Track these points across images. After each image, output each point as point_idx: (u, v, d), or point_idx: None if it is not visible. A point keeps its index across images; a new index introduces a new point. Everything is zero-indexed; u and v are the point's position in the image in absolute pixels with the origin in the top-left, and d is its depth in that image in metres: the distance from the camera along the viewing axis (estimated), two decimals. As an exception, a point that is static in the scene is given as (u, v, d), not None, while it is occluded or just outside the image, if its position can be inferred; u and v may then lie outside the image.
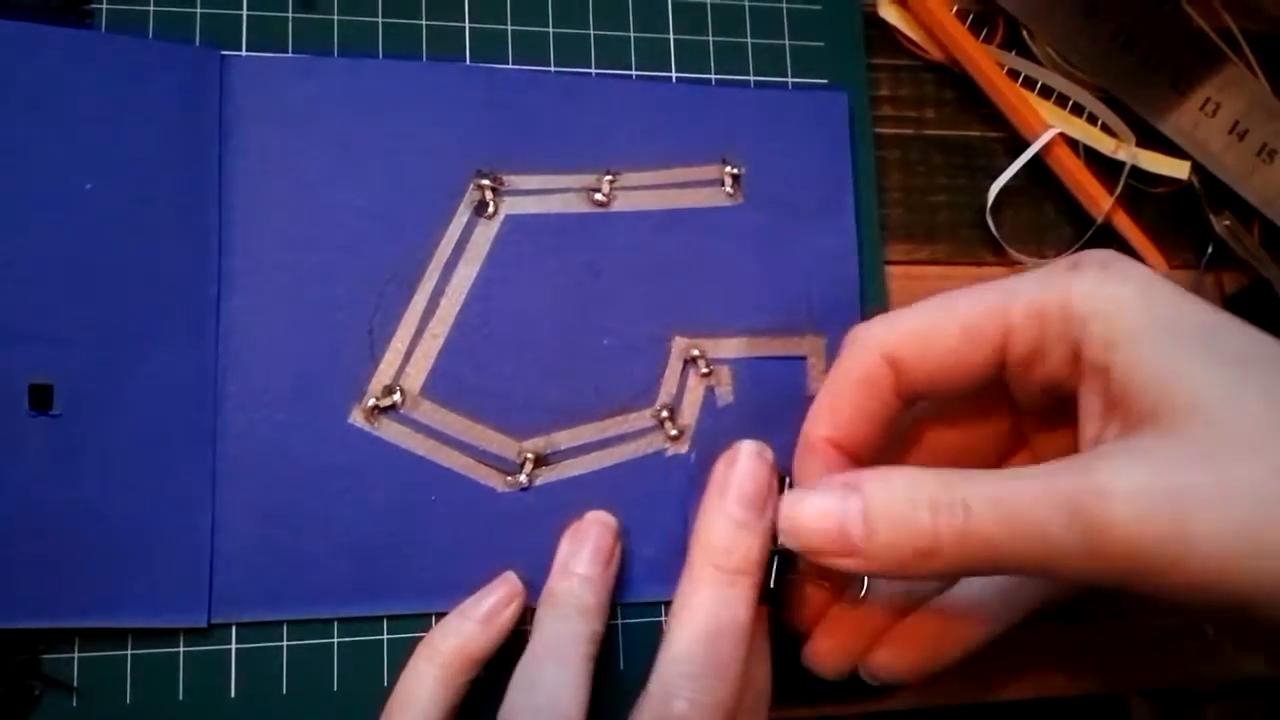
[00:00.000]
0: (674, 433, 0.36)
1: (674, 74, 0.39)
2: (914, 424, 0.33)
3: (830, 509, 0.27)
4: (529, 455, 0.35)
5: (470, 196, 0.36)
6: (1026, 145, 0.41)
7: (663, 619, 0.35)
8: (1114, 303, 0.27)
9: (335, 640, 0.33)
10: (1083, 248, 0.41)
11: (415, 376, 0.35)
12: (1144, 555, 0.23)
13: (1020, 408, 0.32)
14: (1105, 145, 0.42)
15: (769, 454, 0.31)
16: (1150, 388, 0.25)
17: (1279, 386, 0.24)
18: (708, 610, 0.29)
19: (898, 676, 0.32)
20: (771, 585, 0.30)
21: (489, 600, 0.33)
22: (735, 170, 0.38)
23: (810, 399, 0.37)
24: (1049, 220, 0.42)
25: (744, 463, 0.31)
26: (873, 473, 0.27)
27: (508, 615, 0.32)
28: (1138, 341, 0.26)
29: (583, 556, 0.33)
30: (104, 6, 0.35)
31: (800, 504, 0.28)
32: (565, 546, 0.34)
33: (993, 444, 0.33)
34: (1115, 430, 0.26)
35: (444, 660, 0.31)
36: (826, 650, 0.33)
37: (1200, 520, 0.23)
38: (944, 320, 0.30)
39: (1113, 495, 0.23)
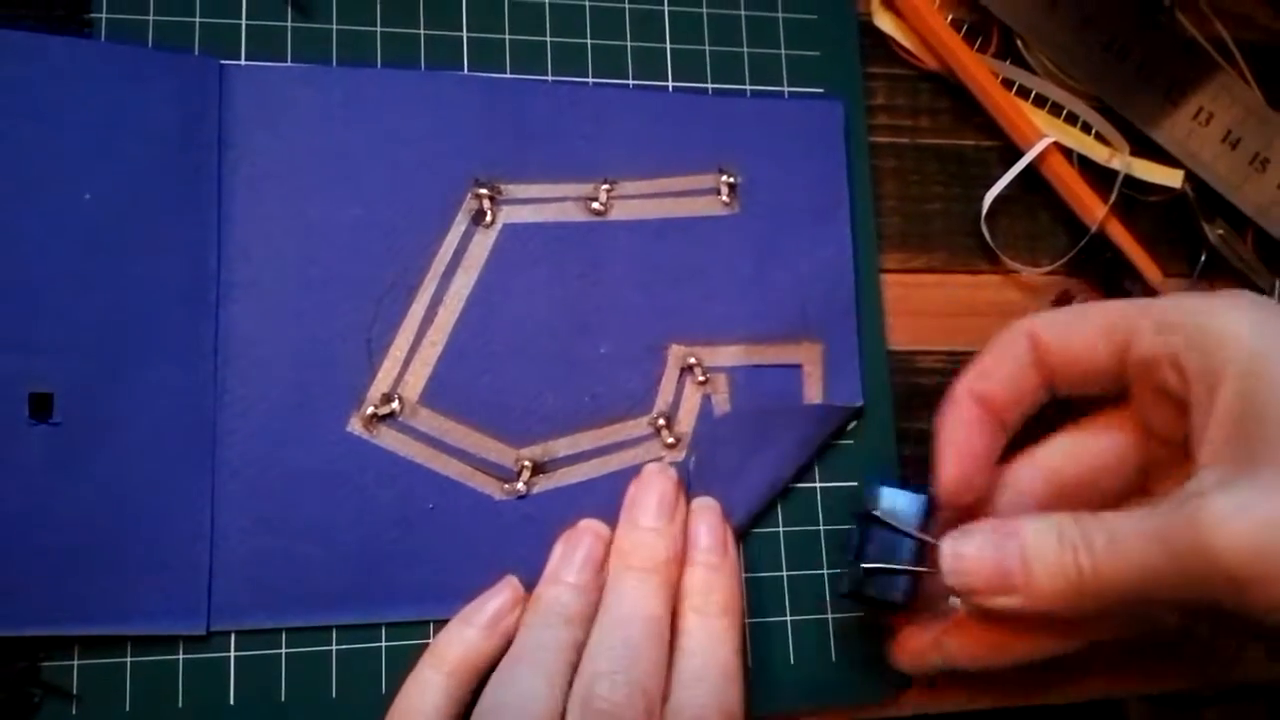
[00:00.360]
0: (671, 440, 0.36)
1: (670, 83, 0.39)
2: (1045, 457, 0.34)
3: (989, 550, 0.30)
4: (526, 463, 0.35)
5: (468, 205, 0.36)
6: (1021, 154, 0.41)
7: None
8: (1231, 327, 0.29)
9: (334, 648, 0.33)
10: (1076, 256, 0.42)
11: (413, 385, 0.35)
12: (1235, 577, 0.25)
13: (1147, 427, 0.33)
14: (1099, 154, 0.42)
15: (672, 472, 0.35)
16: (1249, 413, 0.27)
17: None
18: (624, 602, 0.31)
19: (961, 664, 0.33)
20: (900, 600, 0.33)
21: (492, 605, 0.33)
22: (731, 179, 0.39)
23: (807, 407, 0.37)
24: (1043, 229, 0.43)
25: (651, 480, 0.34)
26: (1024, 518, 0.30)
27: (511, 620, 0.32)
28: (1246, 367, 0.28)
29: (573, 564, 0.33)
30: (103, 16, 0.35)
31: (961, 546, 0.30)
32: (557, 553, 0.34)
33: (1115, 486, 0.34)
34: (1215, 452, 0.28)
35: (450, 669, 0.31)
36: (912, 651, 0.34)
37: None
38: (1083, 313, 0.33)
39: (1203, 526, 0.26)
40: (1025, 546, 0.29)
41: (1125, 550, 0.28)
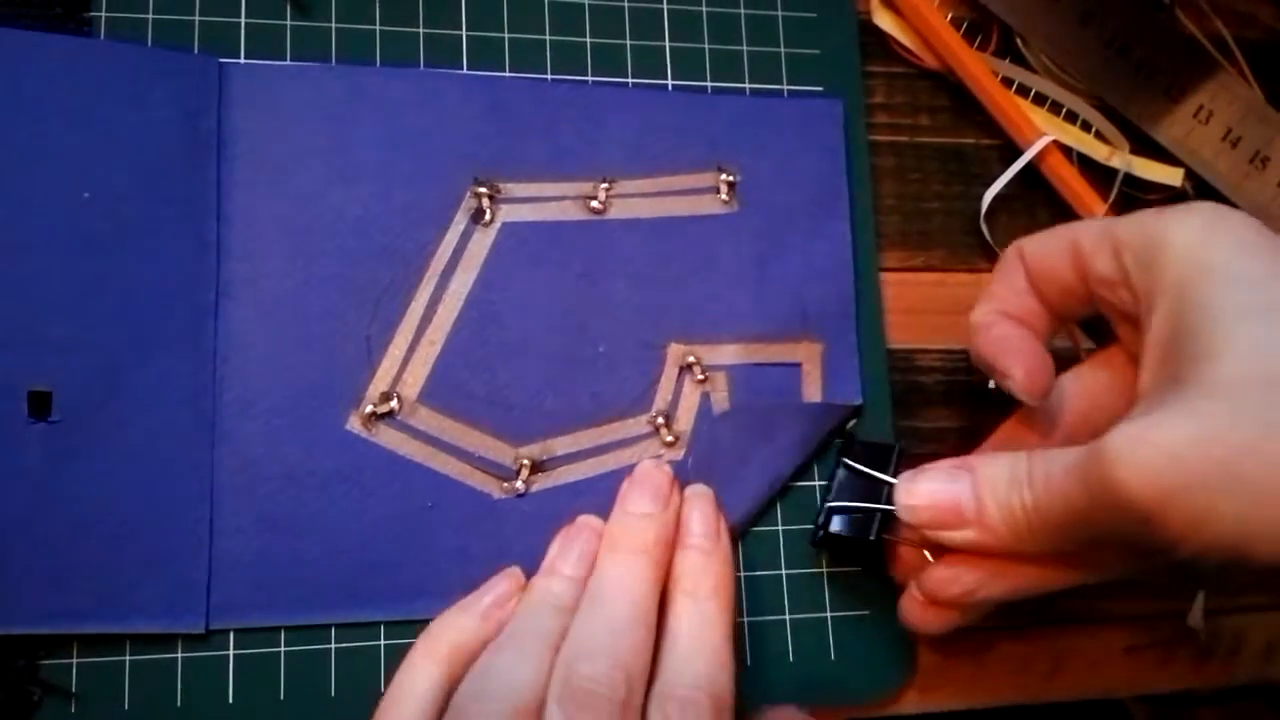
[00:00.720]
0: (670, 439, 0.36)
1: (670, 82, 0.39)
2: (1058, 397, 0.34)
3: (942, 486, 0.30)
4: (525, 461, 0.35)
5: (467, 204, 0.36)
6: (1020, 153, 0.41)
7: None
8: (1176, 240, 0.28)
9: (333, 646, 0.33)
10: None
11: (412, 383, 0.35)
12: (1137, 509, 0.25)
13: (1130, 355, 0.32)
14: (1099, 152, 0.42)
15: (666, 468, 0.34)
16: (1180, 332, 0.26)
17: None
18: (608, 583, 0.31)
19: (954, 599, 0.32)
20: (872, 537, 0.34)
21: (490, 595, 0.32)
22: (731, 178, 0.38)
23: (806, 405, 0.37)
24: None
25: (646, 475, 0.34)
26: (980, 456, 0.31)
27: (508, 609, 0.32)
28: (1180, 281, 0.27)
29: (569, 557, 0.33)
30: (103, 14, 0.35)
31: (913, 483, 0.31)
32: (554, 547, 0.34)
33: (1108, 421, 0.33)
34: (1148, 377, 0.28)
35: (444, 655, 0.31)
36: (916, 607, 0.34)
37: (1196, 472, 0.24)
38: (1055, 232, 0.33)
39: (1106, 460, 0.25)
40: (978, 482, 0.30)
41: (1055, 487, 0.27)
